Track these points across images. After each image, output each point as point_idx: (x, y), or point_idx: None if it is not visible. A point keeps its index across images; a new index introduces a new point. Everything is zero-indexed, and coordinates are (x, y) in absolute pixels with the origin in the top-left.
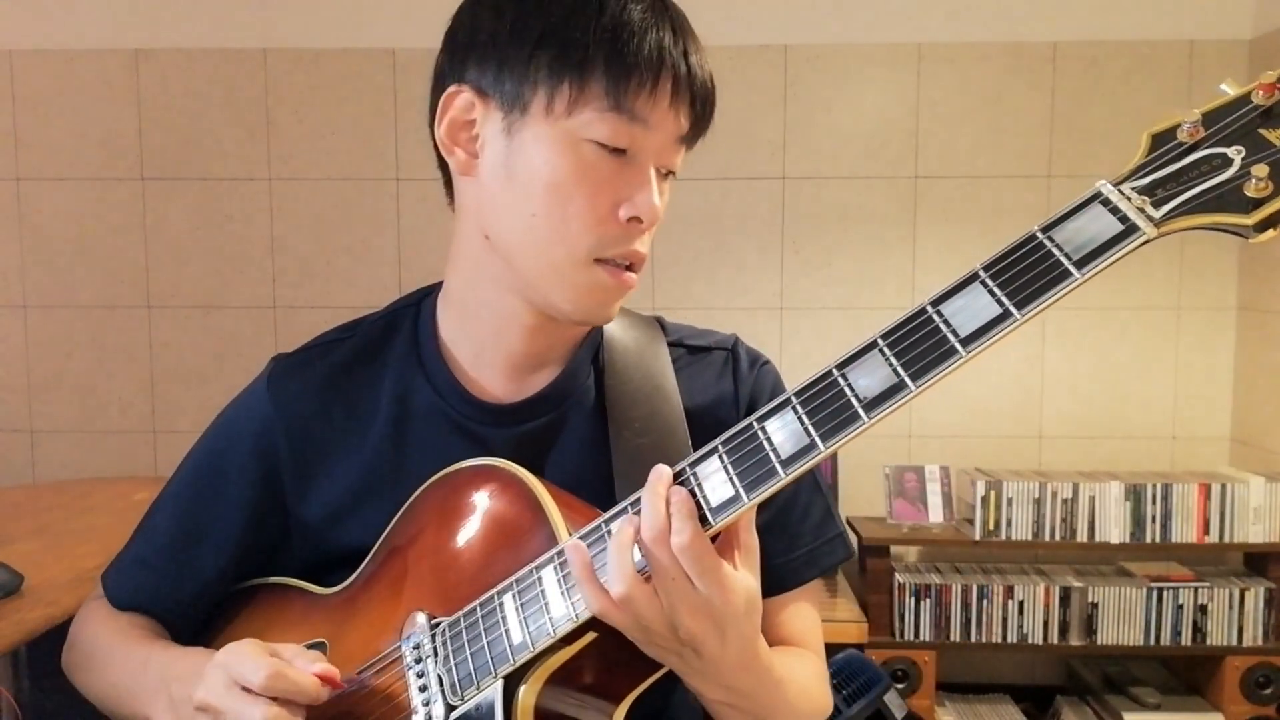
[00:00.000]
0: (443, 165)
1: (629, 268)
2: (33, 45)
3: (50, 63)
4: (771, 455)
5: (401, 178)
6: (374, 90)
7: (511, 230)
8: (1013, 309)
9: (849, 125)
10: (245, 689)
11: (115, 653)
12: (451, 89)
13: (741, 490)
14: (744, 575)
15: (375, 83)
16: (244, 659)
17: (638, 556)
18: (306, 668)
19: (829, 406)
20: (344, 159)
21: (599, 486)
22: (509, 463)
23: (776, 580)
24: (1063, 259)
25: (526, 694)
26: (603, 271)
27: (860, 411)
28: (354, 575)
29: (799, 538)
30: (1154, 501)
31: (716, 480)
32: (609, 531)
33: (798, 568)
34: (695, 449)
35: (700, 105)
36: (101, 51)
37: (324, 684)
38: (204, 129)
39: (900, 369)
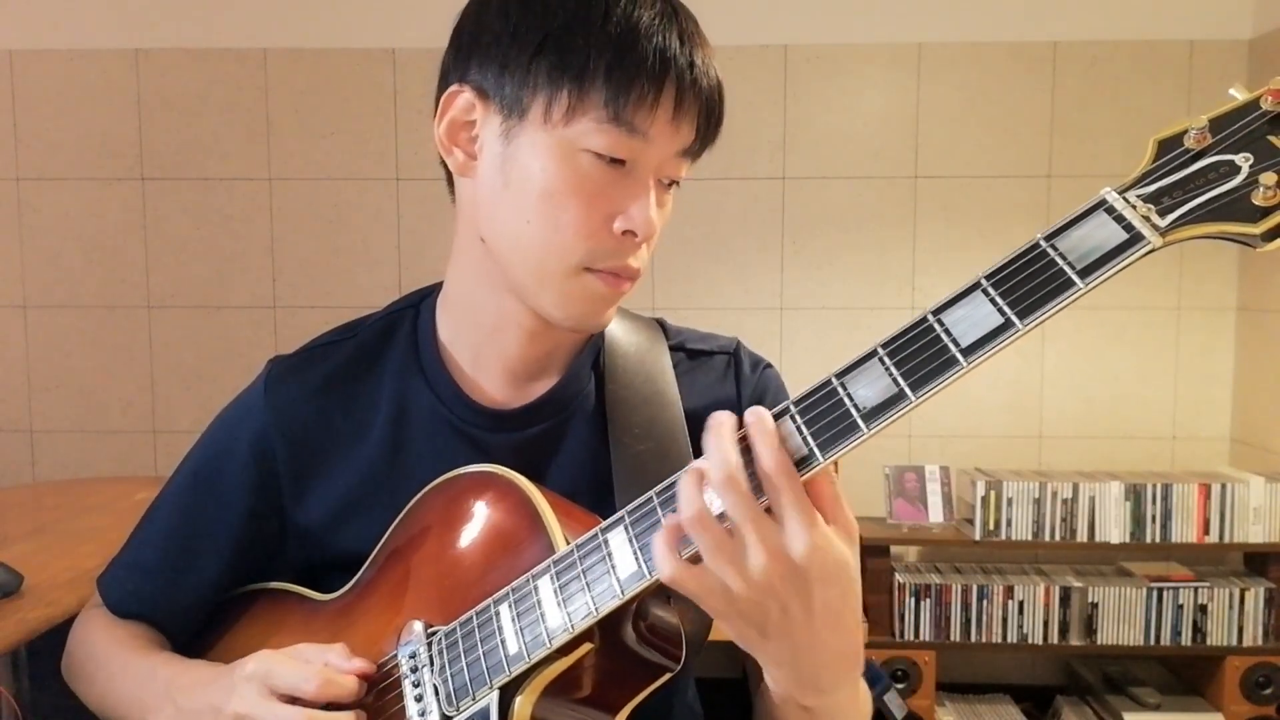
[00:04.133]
0: (445, 162)
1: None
2: (33, 45)
3: (50, 63)
4: None
5: (401, 178)
6: (374, 90)
7: (505, 235)
8: (1015, 319)
9: (849, 125)
10: (286, 696)
11: (115, 662)
12: (453, 88)
13: None
14: (834, 537)
15: (375, 83)
16: (287, 668)
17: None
18: (346, 665)
19: (828, 416)
20: (344, 159)
21: (598, 493)
22: (508, 470)
23: None
24: (1066, 268)
25: (522, 705)
26: (594, 278)
27: (859, 422)
28: (352, 581)
29: None
30: (1154, 501)
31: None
32: (605, 540)
33: None
34: (695, 455)
35: (706, 118)
36: (101, 51)
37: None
38: (204, 129)
39: (900, 379)
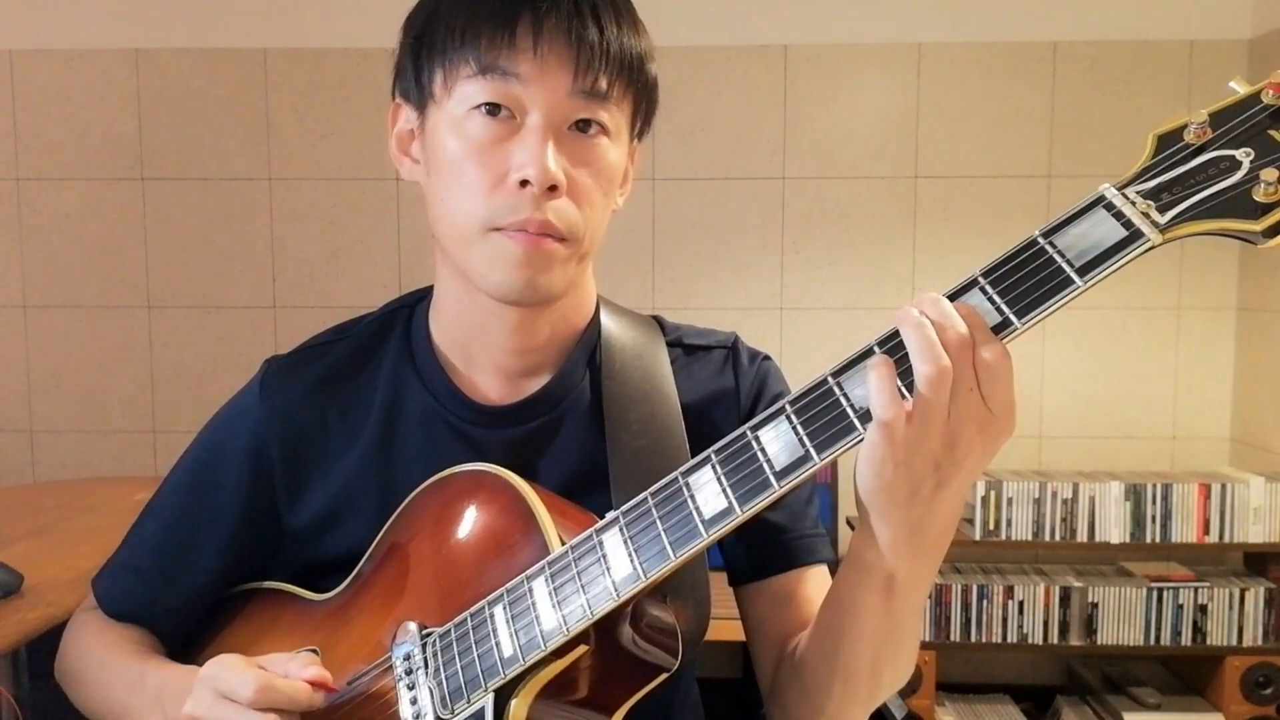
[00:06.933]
0: None
1: (551, 237)
2: (33, 45)
3: (50, 63)
4: (765, 466)
5: (401, 178)
6: (374, 90)
7: (436, 220)
8: (1013, 317)
9: (849, 125)
10: (235, 701)
11: (107, 667)
12: (393, 105)
13: (734, 502)
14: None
15: (375, 83)
16: (230, 672)
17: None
18: (298, 673)
19: (824, 416)
20: (344, 159)
21: (595, 490)
22: (502, 469)
23: (801, 552)
24: (1064, 265)
25: (518, 707)
26: (503, 238)
27: (856, 422)
28: (347, 581)
29: (806, 518)
30: (1154, 501)
31: (709, 491)
32: (600, 542)
33: (815, 544)
34: (693, 450)
35: (583, 47)
36: (101, 51)
37: (317, 688)
38: (204, 129)
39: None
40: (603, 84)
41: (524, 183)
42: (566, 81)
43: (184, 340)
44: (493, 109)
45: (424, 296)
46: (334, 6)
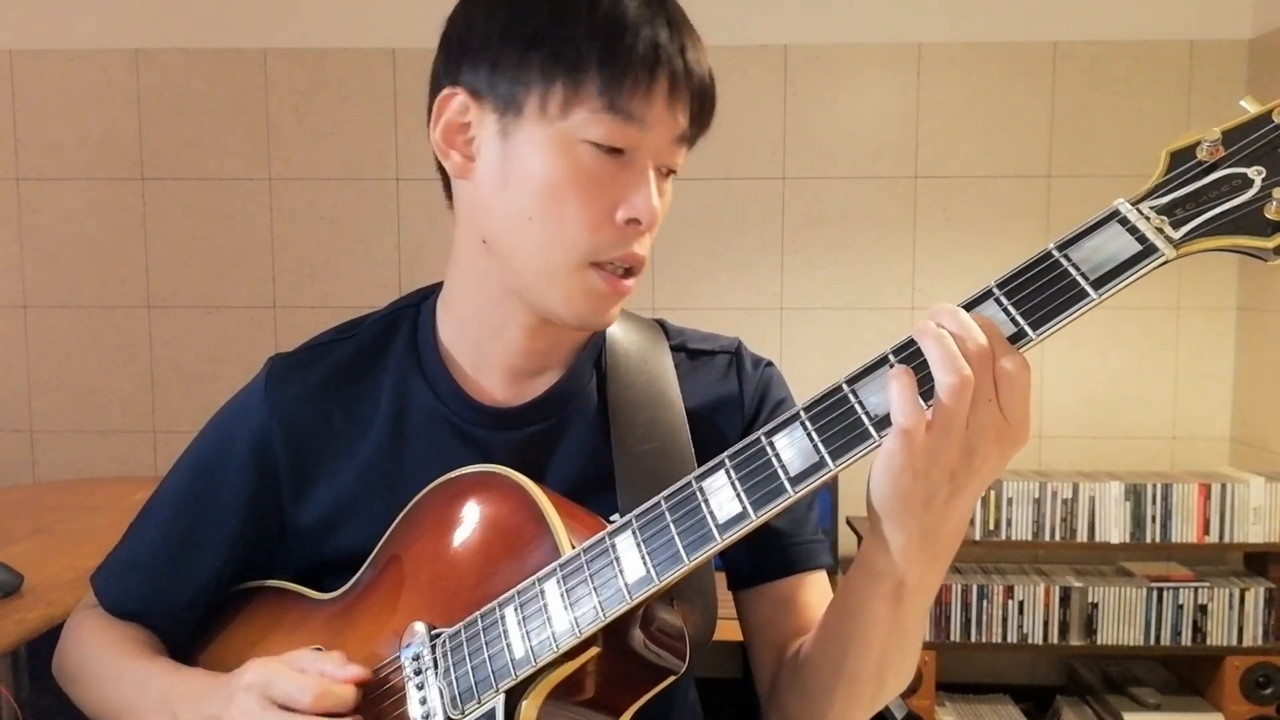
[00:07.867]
0: (441, 167)
1: (628, 272)
2: (33, 45)
3: (50, 63)
4: (780, 472)
5: (401, 178)
6: (374, 90)
7: (508, 234)
8: (1028, 329)
9: (849, 125)
10: (283, 707)
11: (108, 667)
12: (446, 91)
13: (749, 506)
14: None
15: (375, 83)
16: (286, 679)
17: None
18: (338, 673)
19: (839, 423)
20: (344, 159)
21: (600, 493)
22: (511, 470)
23: (802, 557)
24: (1079, 278)
25: (528, 708)
26: (597, 277)
27: (871, 429)
28: (352, 581)
29: (807, 524)
30: (1154, 501)
31: (723, 496)
32: (613, 545)
33: (816, 550)
34: (698, 455)
35: (699, 103)
36: (101, 51)
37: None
38: (204, 129)
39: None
40: (700, 133)
41: (631, 221)
42: (679, 132)
43: (184, 340)
44: (614, 150)
45: (428, 295)
46: (334, 6)
